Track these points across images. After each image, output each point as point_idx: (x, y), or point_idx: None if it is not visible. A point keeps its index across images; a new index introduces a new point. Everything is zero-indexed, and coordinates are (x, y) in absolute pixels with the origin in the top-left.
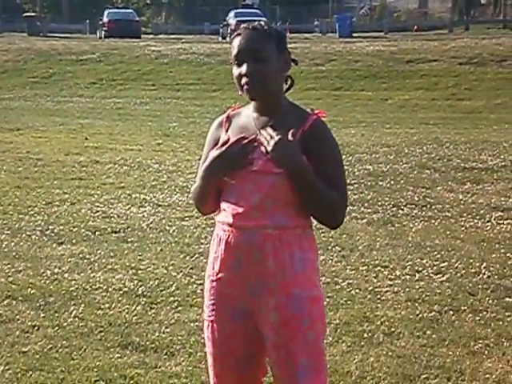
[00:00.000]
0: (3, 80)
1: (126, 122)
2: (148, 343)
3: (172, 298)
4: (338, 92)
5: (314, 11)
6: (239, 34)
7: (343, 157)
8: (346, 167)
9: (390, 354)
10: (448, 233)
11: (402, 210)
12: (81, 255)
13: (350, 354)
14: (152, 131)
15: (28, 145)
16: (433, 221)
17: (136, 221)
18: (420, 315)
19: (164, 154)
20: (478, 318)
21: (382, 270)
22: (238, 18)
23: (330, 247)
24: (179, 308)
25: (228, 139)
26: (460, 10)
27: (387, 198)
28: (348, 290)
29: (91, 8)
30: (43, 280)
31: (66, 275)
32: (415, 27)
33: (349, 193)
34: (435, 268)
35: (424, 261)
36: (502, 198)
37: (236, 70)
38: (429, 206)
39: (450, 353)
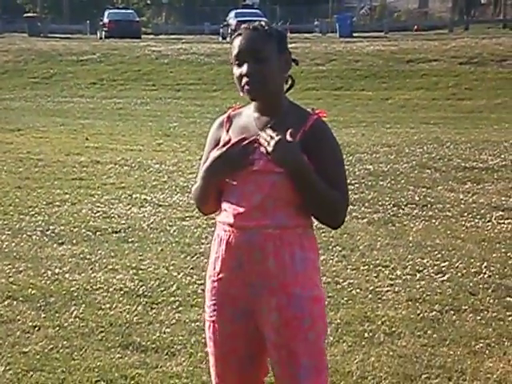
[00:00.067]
0: (4, 80)
1: (127, 122)
2: (149, 343)
3: (173, 298)
4: (339, 92)
5: (314, 11)
6: (240, 34)
7: (344, 156)
8: (346, 167)
9: (390, 353)
10: (449, 232)
11: (403, 209)
12: (81, 255)
13: (350, 353)
14: (152, 131)
15: (29, 145)
16: (433, 220)
17: (137, 221)
18: (421, 315)
19: (164, 154)
20: (478, 318)
21: (383, 269)
22: (239, 18)
23: (330, 247)
24: (180, 308)
25: (229, 139)
26: (460, 9)
27: (388, 198)
28: (349, 289)
29: (92, 8)
30: (44, 280)
31: (66, 275)
32: (415, 27)
33: (349, 192)
34: (436, 268)
35: (425, 260)
36: (503, 198)
37: (236, 70)
38: (429, 205)
39: (451, 352)
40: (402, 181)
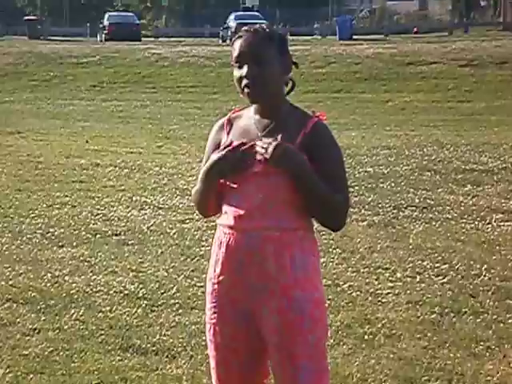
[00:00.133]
0: (4, 83)
1: (127, 124)
2: (149, 346)
3: (173, 301)
4: (339, 94)
5: (313, 14)
6: (241, 37)
7: (344, 159)
8: (346, 169)
9: (391, 356)
10: (449, 235)
11: (403, 212)
12: (81, 258)
13: (351, 356)
14: (152, 134)
15: (29, 148)
16: (433, 223)
17: (137, 223)
18: (421, 317)
19: (164, 156)
20: (479, 320)
21: (383, 272)
22: (238, 21)
23: (330, 249)
24: (180, 310)
25: (230, 143)
26: (460, 12)
27: (388, 200)
28: (349, 292)
29: (92, 11)
30: (44, 283)
31: (66, 278)
32: (415, 29)
33: (350, 195)
34: (436, 270)
35: (425, 263)
36: (503, 200)
37: (237, 72)
38: (429, 208)
39: (451, 355)
40: (402, 183)
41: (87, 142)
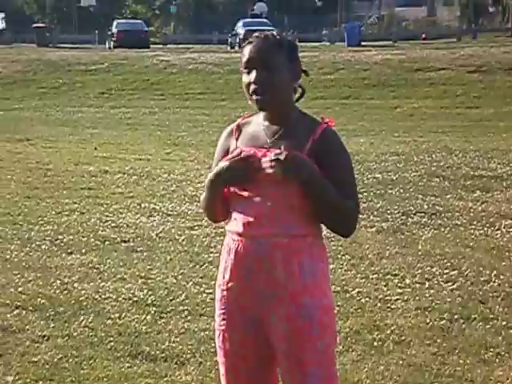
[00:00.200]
0: (13, 90)
1: (135, 131)
2: (158, 353)
3: (182, 308)
4: (347, 101)
5: (322, 20)
6: (251, 42)
7: (353, 165)
8: (355, 176)
9: (400, 362)
10: (458, 241)
11: (412, 218)
12: (90, 265)
13: (360, 362)
14: (161, 141)
15: (38, 155)
16: (442, 229)
17: (145, 230)
18: (430, 323)
19: (173, 163)
20: (488, 327)
21: (392, 278)
22: (247, 28)
23: (339, 256)
24: (189, 317)
25: (240, 152)
26: (468, 18)
27: (396, 207)
28: (358, 298)
29: (100, 19)
30: (53, 290)
31: (75, 285)
32: (423, 36)
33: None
34: (445, 276)
35: (434, 269)
36: None
37: (245, 78)
38: (438, 214)
39: (461, 361)
40: (411, 189)
41: (96, 149)
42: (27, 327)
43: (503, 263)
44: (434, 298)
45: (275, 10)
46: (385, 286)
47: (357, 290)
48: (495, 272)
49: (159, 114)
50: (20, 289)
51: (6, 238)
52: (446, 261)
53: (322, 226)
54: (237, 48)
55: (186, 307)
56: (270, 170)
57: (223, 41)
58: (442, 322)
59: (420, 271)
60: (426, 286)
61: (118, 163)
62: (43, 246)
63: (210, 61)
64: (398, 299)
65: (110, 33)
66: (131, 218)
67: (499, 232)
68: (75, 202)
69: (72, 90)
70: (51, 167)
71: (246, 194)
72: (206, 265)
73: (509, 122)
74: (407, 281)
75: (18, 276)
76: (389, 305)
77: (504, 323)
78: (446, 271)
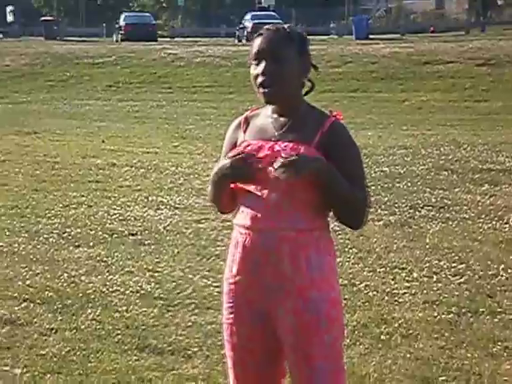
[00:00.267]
0: (21, 83)
1: (143, 124)
2: (165, 346)
3: (189, 301)
4: (355, 94)
5: (330, 13)
6: (261, 34)
7: (362, 158)
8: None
9: (407, 356)
10: (466, 234)
11: (420, 211)
12: (98, 258)
13: (367, 356)
14: (168, 134)
15: (45, 148)
16: (450, 222)
17: (153, 223)
18: (438, 317)
19: (181, 156)
20: (496, 320)
21: (400, 271)
22: (255, 21)
23: (347, 249)
24: (196, 310)
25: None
26: (477, 11)
27: (404, 200)
28: (365, 291)
29: (108, 12)
30: (60, 283)
31: (83, 278)
32: (431, 29)
33: None
34: (453, 270)
35: (442, 263)
36: None
37: (254, 70)
38: (446, 207)
39: (469, 355)
40: (419, 183)
41: (103, 142)
42: (35, 320)
43: (511, 257)
44: (442, 291)
45: (283, 3)
46: (392, 279)
47: (364, 283)
48: (503, 266)
49: (167, 107)
50: (28, 282)
51: (14, 230)
52: (453, 254)
53: (330, 219)
54: (244, 41)
55: (193, 300)
56: (282, 176)
57: (231, 34)
58: (449, 316)
59: (428, 265)
60: (434, 279)
61: (125, 156)
62: (51, 239)
63: (217, 54)
64: (405, 293)
65: (117, 26)
66: (139, 211)
67: (507, 226)
68: (83, 195)
69: (80, 83)
70: (59, 160)
71: (253, 187)
72: (213, 258)
73: None
74: (415, 274)
75: (26, 269)
76: (396, 298)
77: None
78: (453, 265)
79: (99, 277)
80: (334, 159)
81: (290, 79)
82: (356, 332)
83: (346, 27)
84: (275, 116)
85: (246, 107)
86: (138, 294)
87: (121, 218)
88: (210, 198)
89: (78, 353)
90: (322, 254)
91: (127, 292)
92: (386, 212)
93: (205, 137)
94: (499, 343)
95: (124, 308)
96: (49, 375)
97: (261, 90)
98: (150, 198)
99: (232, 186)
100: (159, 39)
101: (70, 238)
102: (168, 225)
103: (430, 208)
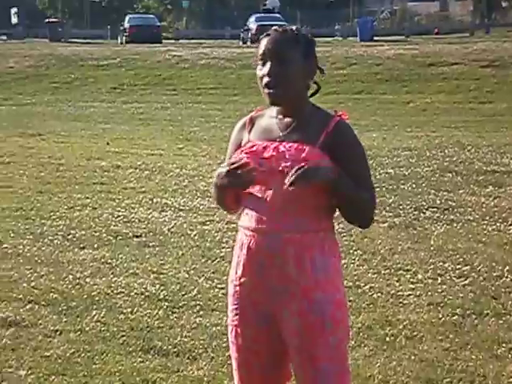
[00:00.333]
0: (25, 85)
1: (147, 126)
2: (170, 347)
3: (194, 303)
4: (360, 96)
5: (334, 15)
6: (268, 35)
7: (367, 157)
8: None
9: (412, 357)
10: (470, 236)
11: (424, 213)
12: (102, 260)
13: (372, 357)
14: (173, 136)
15: (50, 150)
16: (455, 224)
17: (157, 225)
18: (443, 319)
19: (185, 158)
20: (501, 322)
21: (404, 273)
22: (259, 23)
23: (351, 251)
24: (201, 312)
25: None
26: (481, 13)
27: (409, 202)
28: (370, 293)
29: (112, 14)
30: (65, 284)
31: (87, 280)
32: (436, 30)
33: None
34: (458, 271)
35: (446, 264)
36: None
37: (259, 71)
38: (451, 209)
39: (473, 357)
40: (424, 184)
41: (108, 144)
42: (40, 322)
43: None
44: (447, 293)
45: (287, 5)
46: (397, 281)
47: (369, 285)
48: (508, 267)
49: (171, 109)
50: (32, 283)
51: (19, 232)
52: (458, 256)
53: (335, 220)
54: (249, 43)
55: (198, 302)
56: (291, 188)
57: (235, 36)
58: (454, 318)
59: (432, 266)
60: (439, 281)
61: (130, 158)
62: (55, 241)
63: (222, 56)
64: (410, 294)
65: (122, 28)
66: (143, 212)
67: None
68: (87, 197)
69: (84, 85)
70: (63, 162)
71: (257, 189)
72: (218, 260)
73: None
74: (419, 276)
75: (31, 271)
76: (401, 300)
77: None
78: (458, 266)
79: (104, 279)
80: (339, 159)
81: (294, 81)
82: (361, 334)
83: (350, 29)
84: (280, 116)
85: (250, 109)
86: (143, 296)
87: (125, 219)
88: (214, 200)
89: (83, 354)
90: (327, 256)
91: (132, 294)
92: (390, 214)
93: (209, 139)
94: (504, 345)
95: (129, 310)
96: (53, 377)
97: (266, 90)
98: (154, 200)
99: None
100: (164, 41)
101: (74, 239)
102: (172, 227)
103: (435, 210)
